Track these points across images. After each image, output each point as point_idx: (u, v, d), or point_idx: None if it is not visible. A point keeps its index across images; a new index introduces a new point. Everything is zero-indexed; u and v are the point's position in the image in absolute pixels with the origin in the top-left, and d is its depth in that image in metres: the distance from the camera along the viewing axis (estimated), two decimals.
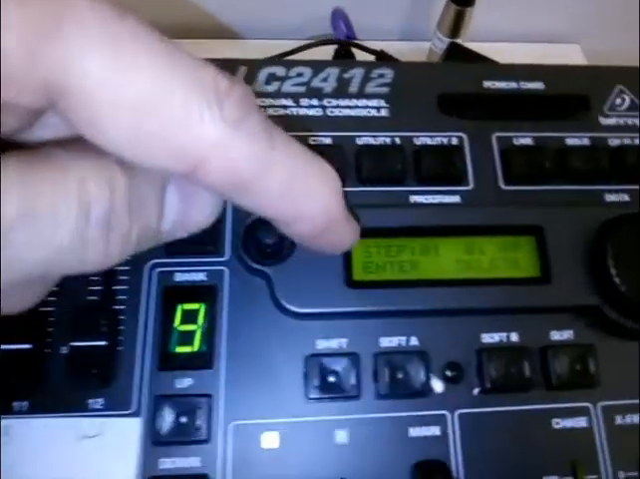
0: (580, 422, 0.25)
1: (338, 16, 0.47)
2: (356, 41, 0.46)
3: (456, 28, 0.46)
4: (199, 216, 0.15)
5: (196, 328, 0.25)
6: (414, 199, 0.28)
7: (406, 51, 0.51)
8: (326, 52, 0.45)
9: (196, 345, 0.25)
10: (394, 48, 0.50)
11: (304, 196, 0.15)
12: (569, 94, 0.31)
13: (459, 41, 0.46)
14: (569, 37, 0.54)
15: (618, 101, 0.31)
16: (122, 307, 0.25)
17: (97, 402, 0.24)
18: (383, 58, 0.43)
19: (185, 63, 0.13)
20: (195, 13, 0.49)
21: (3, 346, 0.23)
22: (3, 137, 0.13)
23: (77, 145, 0.13)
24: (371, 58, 0.44)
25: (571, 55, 0.53)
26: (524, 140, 0.29)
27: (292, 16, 0.50)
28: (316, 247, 0.17)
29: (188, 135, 0.12)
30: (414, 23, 0.53)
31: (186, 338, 0.25)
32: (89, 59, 0.11)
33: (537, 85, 0.31)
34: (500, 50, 0.50)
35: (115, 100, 0.12)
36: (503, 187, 0.28)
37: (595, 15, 0.54)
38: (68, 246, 0.12)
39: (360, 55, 0.45)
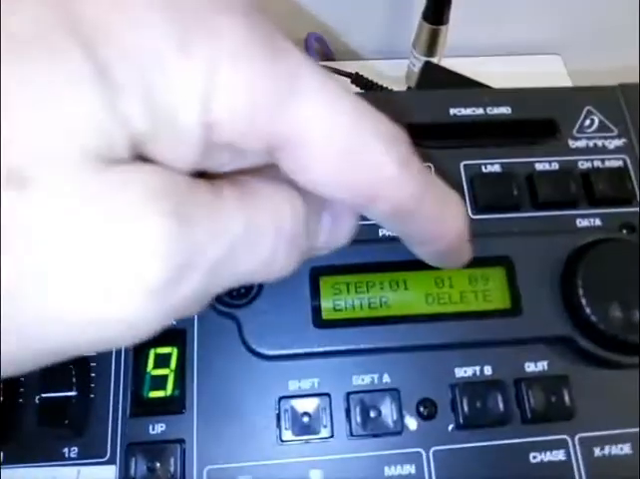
0: (558, 455, 0.25)
1: (313, 39, 0.47)
2: (331, 63, 0.46)
3: (431, 46, 0.46)
4: (342, 237, 0.18)
5: (169, 372, 0.25)
6: (382, 232, 0.28)
7: (385, 70, 0.52)
8: None
9: (169, 389, 0.25)
10: (373, 68, 0.50)
11: (446, 218, 0.17)
12: (537, 118, 0.30)
13: (435, 59, 0.46)
14: (550, 48, 0.54)
15: (587, 122, 0.31)
16: (92, 354, 0.25)
17: (72, 451, 0.24)
18: (358, 80, 0.43)
19: (365, 107, 0.15)
20: None
21: None
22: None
23: (264, 173, 0.15)
24: (346, 80, 0.44)
25: (552, 66, 0.53)
26: (493, 167, 0.29)
27: None
28: (440, 263, 0.20)
29: (379, 175, 0.15)
30: (392, 41, 0.53)
31: (159, 383, 0.25)
32: (314, 116, 0.13)
33: (504, 110, 0.31)
34: (479, 64, 0.50)
35: (328, 149, 0.14)
36: (472, 216, 0.28)
37: (575, 25, 0.54)
38: (266, 260, 0.14)
39: (335, 78, 0.45)
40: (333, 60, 0.51)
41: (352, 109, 0.15)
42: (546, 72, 0.53)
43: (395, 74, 0.51)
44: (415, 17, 0.47)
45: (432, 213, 0.17)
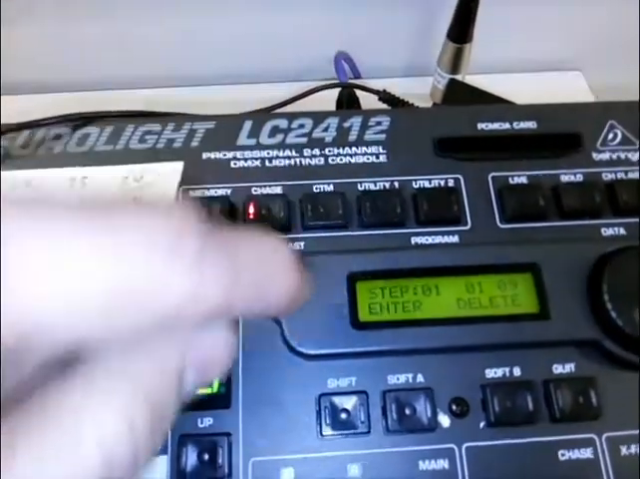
0: (586, 453, 0.26)
1: (340, 59, 0.49)
2: (358, 81, 0.48)
3: (455, 64, 0.48)
4: (214, 375, 0.15)
5: None
6: (415, 240, 0.29)
7: (410, 87, 0.53)
8: (330, 94, 0.47)
9: (215, 387, 0.26)
10: (398, 85, 0.52)
11: (272, 289, 0.14)
12: (562, 132, 0.32)
13: (459, 76, 0.48)
14: (570, 64, 0.55)
15: (610, 136, 0.32)
16: None
17: None
18: (385, 97, 0.45)
19: (126, 228, 0.12)
20: (197, 61, 0.52)
21: None
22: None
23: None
24: (374, 98, 0.46)
25: (573, 82, 0.54)
26: (519, 179, 0.31)
27: (296, 60, 0.53)
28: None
29: (161, 298, 0.12)
30: (417, 59, 0.55)
31: None
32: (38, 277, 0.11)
33: (530, 124, 0.32)
34: (502, 81, 0.52)
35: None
36: (500, 225, 0.30)
37: (596, 41, 0.55)
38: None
39: (364, 95, 0.47)
40: (360, 78, 0.53)
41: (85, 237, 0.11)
42: (568, 87, 0.54)
43: (420, 91, 0.53)
44: (439, 35, 0.49)
45: (253, 296, 0.14)
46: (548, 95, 0.53)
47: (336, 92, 0.47)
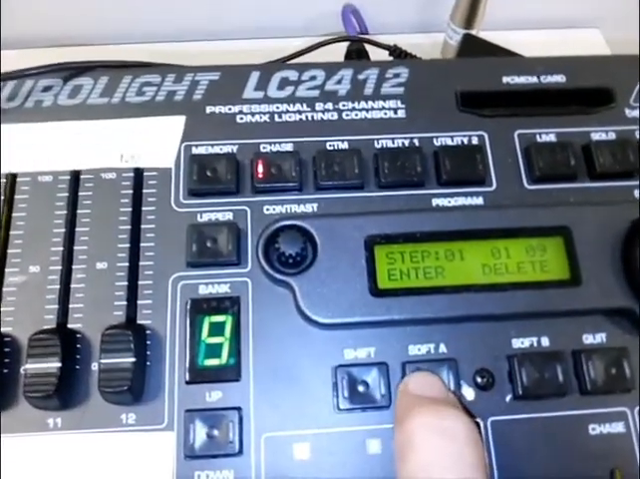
0: (617, 427, 0.24)
1: (348, 12, 0.46)
2: (368, 36, 0.45)
3: (470, 18, 0.45)
4: None
5: (224, 340, 0.25)
6: (436, 202, 0.27)
7: (420, 43, 0.50)
8: (338, 49, 0.44)
9: (224, 358, 0.25)
10: (408, 41, 0.49)
11: None
12: (592, 86, 0.30)
13: (473, 32, 0.45)
14: (588, 22, 0.52)
15: None
16: (148, 322, 0.25)
17: (129, 417, 0.24)
18: (396, 52, 0.42)
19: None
20: (200, 15, 0.49)
21: (31, 366, 0.23)
22: None
23: None
24: (384, 53, 0.43)
25: (591, 40, 0.52)
26: (547, 137, 0.28)
27: (301, 13, 0.50)
28: None
29: None
30: (427, 14, 0.52)
31: (214, 351, 0.25)
32: None
33: (558, 78, 0.30)
34: (517, 38, 0.49)
35: None
36: (528, 186, 0.28)
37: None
38: None
39: (373, 50, 0.44)
40: (367, 33, 0.50)
41: None
42: (585, 45, 0.51)
43: (430, 48, 0.50)
44: None
45: None
46: (565, 52, 0.50)
47: (344, 46, 0.44)
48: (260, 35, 0.49)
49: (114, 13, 0.47)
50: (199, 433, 0.23)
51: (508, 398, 0.24)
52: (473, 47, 0.43)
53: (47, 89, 0.29)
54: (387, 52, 0.42)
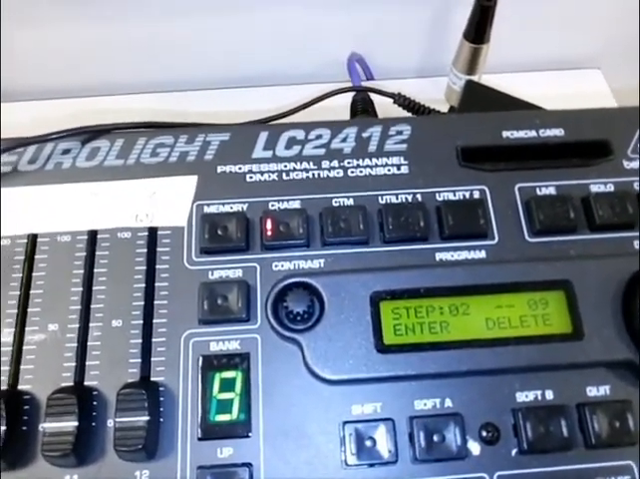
0: None
1: (353, 61, 0.48)
2: (372, 83, 0.47)
3: (472, 65, 0.46)
4: None
5: (234, 396, 0.26)
6: (439, 256, 0.28)
7: (425, 88, 0.52)
8: (344, 99, 0.45)
9: (235, 413, 0.25)
10: (412, 86, 0.51)
11: None
12: (591, 139, 0.31)
13: (475, 77, 0.47)
14: (589, 62, 0.54)
15: None
16: (161, 379, 0.26)
17: (144, 474, 0.24)
18: (400, 100, 0.44)
19: None
20: (208, 63, 0.51)
21: (49, 424, 0.24)
22: None
23: None
24: (389, 101, 0.45)
25: (592, 81, 0.53)
26: (547, 190, 0.29)
27: (309, 61, 0.51)
28: None
29: None
30: (431, 59, 0.53)
31: (225, 406, 0.25)
32: None
33: (557, 132, 0.31)
34: (520, 81, 0.50)
35: None
36: (529, 239, 0.28)
37: (615, 39, 0.53)
38: None
39: (377, 97, 0.45)
40: (373, 79, 0.51)
41: None
42: (587, 86, 0.52)
43: (434, 92, 0.51)
44: (453, 34, 0.48)
45: None
46: (567, 94, 0.51)
47: (350, 95, 0.46)
48: (269, 83, 0.51)
49: (116, 65, 0.49)
50: None
51: (514, 452, 0.25)
52: (475, 93, 0.44)
53: (66, 152, 0.30)
54: (391, 100, 0.44)
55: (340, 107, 0.44)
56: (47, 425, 0.24)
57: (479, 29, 0.43)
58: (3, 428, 0.24)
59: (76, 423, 0.24)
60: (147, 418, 0.24)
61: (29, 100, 0.47)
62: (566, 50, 0.53)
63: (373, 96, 0.45)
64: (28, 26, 0.45)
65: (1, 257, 0.28)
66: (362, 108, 0.42)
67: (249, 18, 0.47)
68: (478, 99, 0.43)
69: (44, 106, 0.46)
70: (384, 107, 0.44)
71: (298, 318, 0.26)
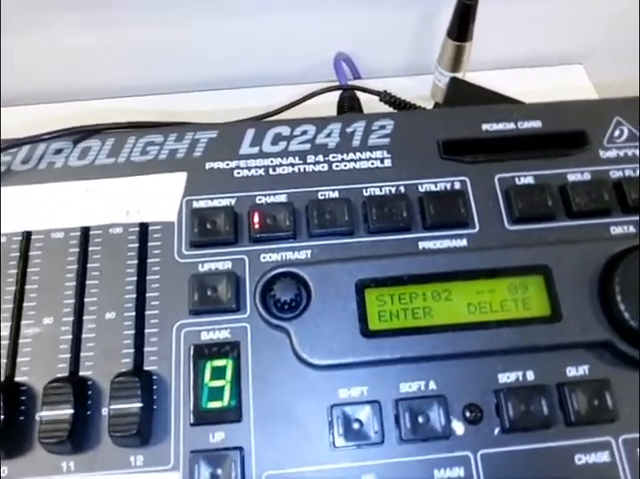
0: (603, 457, 0.25)
1: (340, 61, 0.49)
2: (358, 82, 0.48)
3: (456, 62, 0.47)
4: None
5: (225, 383, 0.26)
6: (422, 245, 0.29)
7: (410, 86, 0.53)
8: (331, 96, 0.46)
9: (226, 400, 0.26)
10: (398, 84, 0.52)
11: None
12: (568, 130, 0.32)
13: (459, 74, 0.48)
14: (571, 58, 0.55)
15: (617, 132, 0.32)
16: (154, 368, 0.27)
17: (138, 459, 0.25)
18: (386, 98, 0.44)
19: None
20: (195, 66, 0.51)
21: (46, 413, 0.25)
22: None
23: None
24: (375, 99, 0.46)
25: (575, 76, 0.54)
26: (526, 179, 0.30)
27: (295, 61, 0.52)
28: None
29: None
30: (417, 57, 0.54)
31: (216, 394, 0.26)
32: None
33: (535, 124, 0.32)
34: (503, 77, 0.51)
35: None
36: (509, 227, 0.29)
37: (596, 34, 0.54)
38: None
39: (364, 96, 0.46)
40: (360, 78, 0.52)
41: None
42: (569, 82, 0.53)
43: (420, 90, 0.52)
44: (438, 33, 0.49)
45: None
46: (550, 90, 0.52)
47: (337, 94, 0.47)
48: (256, 83, 0.52)
49: (114, 68, 0.50)
50: (204, 473, 0.25)
51: (497, 431, 0.26)
52: (459, 90, 0.45)
53: (58, 151, 0.31)
54: (377, 97, 0.45)
55: (327, 105, 0.45)
56: (43, 414, 0.25)
57: (461, 27, 0.44)
58: (1, 417, 0.24)
59: (71, 411, 0.25)
60: (140, 405, 0.25)
61: (29, 104, 0.48)
62: (549, 46, 0.54)
63: (359, 94, 0.46)
64: (27, 31, 0.46)
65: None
66: (349, 105, 0.43)
67: (239, 22, 0.48)
68: (462, 95, 0.44)
69: (44, 109, 0.47)
70: (370, 105, 0.45)
71: (286, 307, 0.27)
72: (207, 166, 0.31)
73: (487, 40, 0.49)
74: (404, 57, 0.55)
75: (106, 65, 0.50)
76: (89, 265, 0.28)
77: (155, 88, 0.50)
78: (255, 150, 0.31)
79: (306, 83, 0.49)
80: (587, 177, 0.30)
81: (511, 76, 0.53)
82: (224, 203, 0.30)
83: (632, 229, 0.29)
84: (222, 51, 0.51)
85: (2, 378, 0.26)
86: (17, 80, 0.49)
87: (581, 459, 0.25)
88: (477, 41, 0.47)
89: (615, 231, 0.29)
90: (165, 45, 0.49)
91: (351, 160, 0.31)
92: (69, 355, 0.27)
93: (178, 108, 0.49)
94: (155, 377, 0.26)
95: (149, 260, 0.29)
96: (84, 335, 0.27)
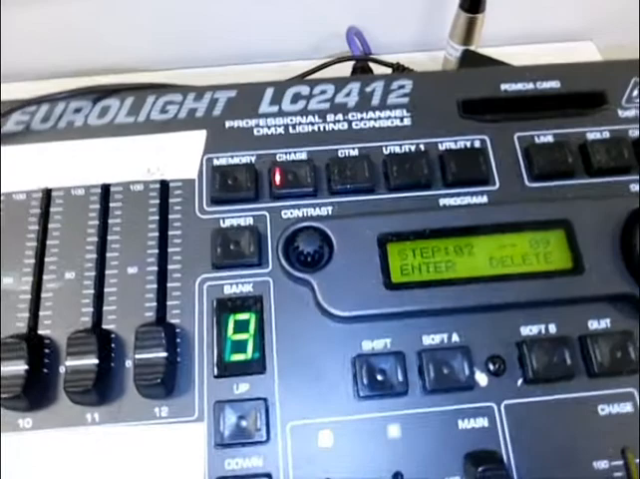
0: (626, 407, 0.25)
1: (352, 34, 0.49)
2: (372, 56, 0.47)
3: (468, 35, 0.47)
4: None
5: (248, 337, 0.26)
6: (443, 202, 0.29)
7: (421, 61, 0.53)
8: (344, 69, 0.46)
9: (249, 353, 0.26)
10: (409, 59, 0.52)
11: None
12: (586, 90, 0.32)
13: (472, 47, 0.48)
14: (582, 34, 0.55)
15: (635, 92, 0.32)
16: (177, 321, 0.27)
17: (162, 411, 0.25)
18: (399, 70, 0.45)
19: None
20: (206, 41, 0.51)
21: (71, 362, 0.25)
22: None
23: None
24: (388, 71, 0.46)
25: (586, 52, 0.54)
26: (545, 138, 0.30)
27: (307, 37, 0.52)
28: None
29: None
30: (427, 33, 0.54)
31: (240, 347, 0.26)
32: None
33: (553, 84, 0.32)
34: (514, 53, 0.51)
35: None
36: (528, 184, 0.29)
37: (606, 10, 0.54)
38: None
39: (377, 69, 0.46)
40: (370, 54, 0.52)
41: None
42: (580, 58, 0.53)
43: (431, 66, 0.52)
44: (449, 9, 0.49)
45: None
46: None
47: (349, 66, 0.47)
48: (270, 59, 0.52)
49: (116, 46, 0.50)
50: (229, 423, 0.25)
51: (520, 382, 0.26)
52: (471, 61, 0.45)
53: (77, 110, 0.31)
54: (390, 70, 0.45)
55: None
56: (69, 363, 0.25)
57: None
58: (26, 367, 0.24)
59: (96, 361, 0.25)
60: (164, 354, 0.25)
61: (29, 80, 0.48)
62: (559, 22, 0.54)
63: (372, 67, 0.46)
64: (27, 6, 0.45)
65: (13, 213, 0.29)
66: None
67: None
68: (474, 66, 0.44)
69: (44, 85, 0.47)
70: None
71: (309, 259, 0.27)
72: (227, 124, 0.31)
73: (498, 16, 0.49)
74: (414, 33, 0.54)
75: (113, 40, 0.50)
76: (110, 221, 0.28)
77: (167, 63, 0.50)
78: (275, 109, 0.31)
79: (318, 58, 0.49)
80: (606, 135, 0.30)
81: (521, 51, 0.52)
82: (245, 160, 0.30)
83: None
84: (233, 26, 0.51)
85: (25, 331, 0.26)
86: (17, 56, 0.48)
87: (604, 409, 0.25)
88: (488, 17, 0.47)
89: (635, 188, 0.29)
90: (178, 19, 0.49)
91: (370, 118, 0.31)
92: (91, 309, 0.27)
93: (189, 83, 0.49)
94: (178, 330, 0.26)
95: (170, 216, 0.29)
96: (106, 289, 0.27)
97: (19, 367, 0.24)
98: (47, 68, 0.49)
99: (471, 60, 0.45)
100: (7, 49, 0.47)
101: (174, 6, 0.48)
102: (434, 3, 0.52)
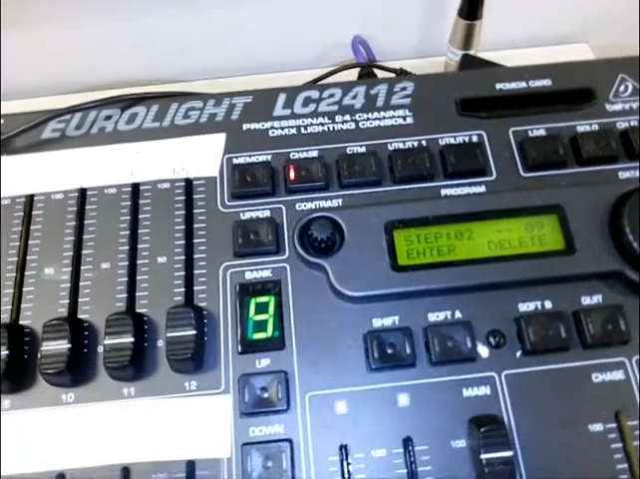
0: (618, 375, 0.28)
1: (357, 43, 0.52)
2: (376, 62, 0.50)
3: (467, 41, 0.50)
4: None
5: (268, 317, 0.29)
6: (444, 192, 0.31)
7: (423, 67, 0.56)
8: (351, 76, 0.49)
9: (270, 331, 0.29)
10: (412, 65, 0.54)
11: None
12: (576, 87, 0.34)
13: (471, 52, 0.50)
14: (577, 37, 0.57)
15: (622, 88, 0.34)
16: (203, 304, 0.29)
17: (192, 384, 0.28)
18: (403, 75, 0.47)
19: None
20: (214, 52, 0.54)
21: (109, 341, 0.27)
22: None
23: None
24: (392, 76, 0.48)
25: (580, 54, 0.56)
26: (538, 131, 0.33)
27: (315, 47, 0.55)
28: None
29: None
30: (428, 40, 0.57)
31: (261, 326, 0.29)
32: None
33: (545, 82, 0.34)
34: (512, 56, 0.54)
35: None
36: (524, 174, 0.32)
37: (600, 13, 0.57)
38: None
39: (381, 75, 0.49)
40: (375, 61, 0.55)
41: None
42: (575, 59, 0.56)
43: (432, 70, 0.55)
44: (449, 17, 0.52)
45: None
46: None
47: (355, 74, 0.49)
48: (281, 69, 0.55)
49: (122, 62, 0.52)
50: (252, 394, 0.27)
51: (519, 354, 0.28)
52: (471, 64, 0.47)
53: (108, 118, 0.34)
54: (394, 75, 0.47)
55: None
56: (107, 341, 0.27)
57: (471, 6, 0.47)
58: (69, 345, 0.27)
59: (132, 339, 0.27)
60: (194, 332, 0.27)
61: (29, 97, 0.50)
62: (555, 26, 0.56)
63: (377, 73, 0.49)
64: (27, 25, 0.47)
65: (53, 211, 0.31)
66: None
67: (257, 9, 0.51)
68: (473, 69, 0.46)
69: (45, 102, 0.49)
70: None
71: (322, 245, 0.29)
72: (245, 127, 0.34)
73: (494, 21, 0.51)
74: (416, 40, 0.57)
75: (110, 57, 0.52)
76: (140, 217, 0.31)
77: (171, 77, 0.53)
78: (287, 112, 0.34)
79: (324, 67, 0.52)
80: (595, 127, 0.33)
81: (518, 55, 0.55)
82: (262, 159, 0.32)
83: (638, 173, 0.31)
84: (241, 38, 0.54)
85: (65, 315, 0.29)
86: (17, 74, 0.49)
87: (598, 377, 0.27)
88: (485, 22, 0.50)
89: (623, 175, 0.32)
90: (180, 34, 0.51)
91: (376, 118, 0.34)
92: (125, 294, 0.29)
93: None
94: (204, 312, 0.29)
95: (194, 211, 0.31)
96: (138, 277, 0.30)
97: (62, 346, 0.27)
98: (46, 86, 0.51)
99: (470, 64, 0.48)
100: (6, 68, 0.49)
101: (177, 21, 0.50)
102: (434, 12, 0.55)
